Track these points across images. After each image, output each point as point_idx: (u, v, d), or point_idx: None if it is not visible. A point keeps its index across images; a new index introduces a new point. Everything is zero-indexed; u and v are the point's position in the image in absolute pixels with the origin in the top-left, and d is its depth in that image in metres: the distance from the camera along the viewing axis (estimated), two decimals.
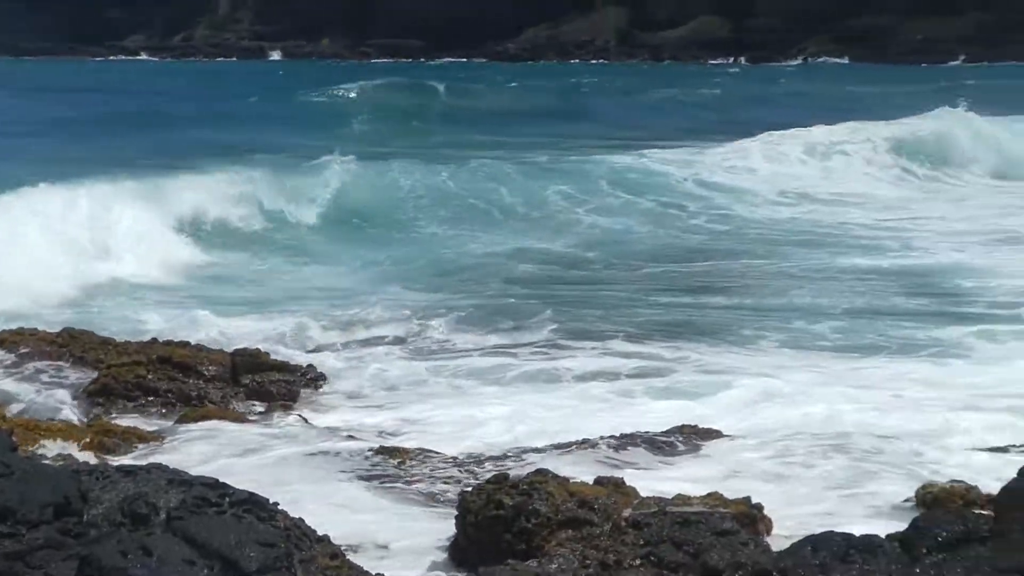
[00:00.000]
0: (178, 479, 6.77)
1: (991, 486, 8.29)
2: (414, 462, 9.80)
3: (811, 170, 34.12)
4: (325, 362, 13.97)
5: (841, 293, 18.42)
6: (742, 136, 38.17)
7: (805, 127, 38.73)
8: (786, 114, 47.49)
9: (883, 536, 7.14)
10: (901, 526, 7.29)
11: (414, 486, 9.24)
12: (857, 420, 11.42)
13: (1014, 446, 10.29)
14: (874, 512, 8.75)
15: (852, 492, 9.12)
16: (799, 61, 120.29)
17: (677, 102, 63.00)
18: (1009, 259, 21.27)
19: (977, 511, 7.64)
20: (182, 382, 12.42)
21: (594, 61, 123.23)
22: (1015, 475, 7.51)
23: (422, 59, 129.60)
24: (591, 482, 8.22)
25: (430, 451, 10.21)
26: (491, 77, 71.05)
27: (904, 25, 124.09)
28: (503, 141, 41.11)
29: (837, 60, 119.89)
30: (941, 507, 7.98)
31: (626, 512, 7.69)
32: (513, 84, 72.48)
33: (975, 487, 8.63)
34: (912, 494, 8.78)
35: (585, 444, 10.22)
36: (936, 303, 17.61)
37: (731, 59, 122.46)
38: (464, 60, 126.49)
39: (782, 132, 37.96)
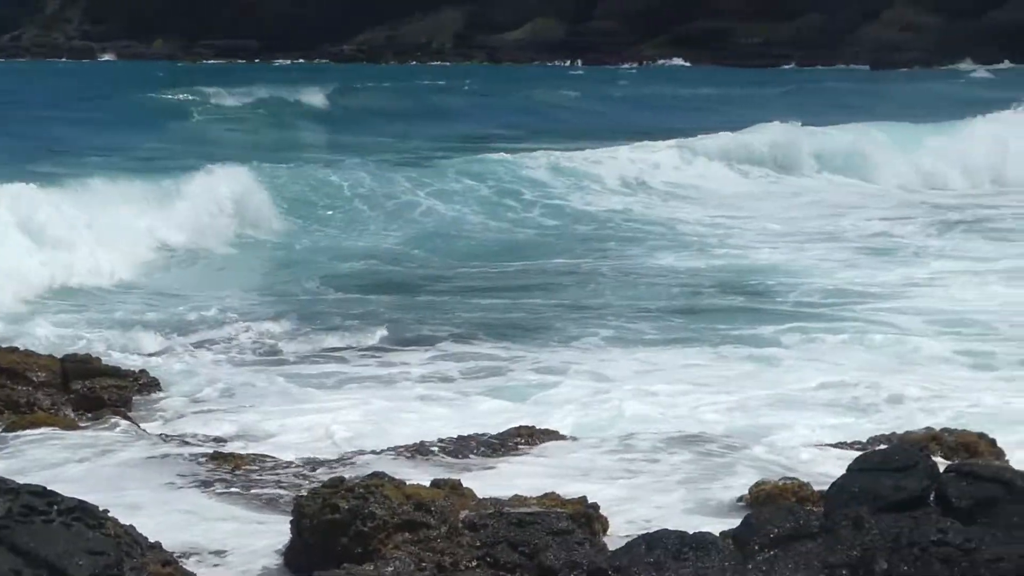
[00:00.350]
0: (4, 487, 6.61)
1: (822, 482, 8.42)
2: (250, 468, 9.69)
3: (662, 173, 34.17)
4: (158, 367, 13.78)
5: (663, 290, 18.77)
6: (613, 141, 38.38)
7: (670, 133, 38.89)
8: (655, 118, 47.81)
9: (716, 534, 7.23)
10: (735, 523, 7.39)
11: (250, 492, 9.13)
12: (688, 419, 11.63)
13: (844, 443, 10.49)
14: (708, 510, 8.83)
15: (687, 490, 9.20)
16: (636, 64, 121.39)
17: (537, 103, 63.16)
18: (824, 258, 21.89)
19: (809, 507, 7.75)
20: (10, 388, 12.13)
21: (434, 63, 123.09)
22: (844, 471, 7.68)
23: (257, 60, 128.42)
24: (428, 484, 8.20)
25: (266, 456, 10.11)
26: (335, 79, 70.13)
27: (740, 28, 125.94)
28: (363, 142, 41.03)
29: (676, 62, 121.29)
30: (773, 504, 8.08)
31: (463, 514, 7.67)
32: (360, 86, 71.63)
33: (807, 484, 8.76)
34: (746, 492, 8.88)
35: (422, 446, 10.21)
36: (751, 301, 17.99)
37: (568, 62, 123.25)
38: (302, 61, 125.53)
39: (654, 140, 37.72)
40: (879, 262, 21.48)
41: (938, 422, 11.06)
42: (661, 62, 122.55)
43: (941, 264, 21.16)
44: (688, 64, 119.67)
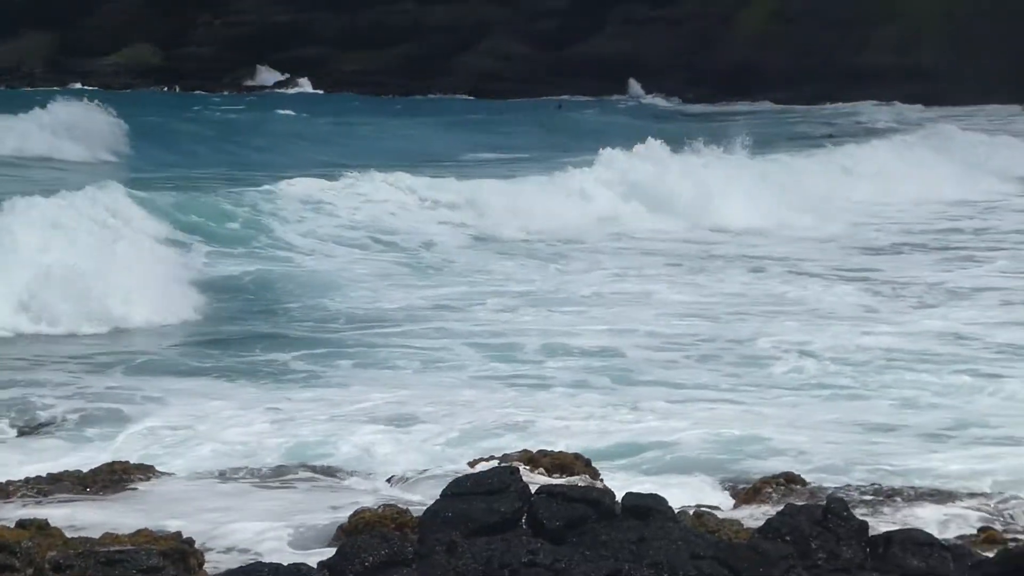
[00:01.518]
0: None
1: (419, 509, 8.48)
2: None
3: None
4: None
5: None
6: None
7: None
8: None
9: (313, 564, 7.18)
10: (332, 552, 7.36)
11: None
12: (288, 449, 11.58)
13: (427, 470, 10.54)
14: (308, 540, 8.77)
15: (286, 521, 9.12)
16: (235, 91, 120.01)
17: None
18: None
19: (407, 533, 7.79)
20: None
21: (28, 88, 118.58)
22: (438, 496, 7.76)
23: None
24: (13, 525, 7.87)
25: None
26: None
27: (340, 56, 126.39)
28: None
29: (279, 91, 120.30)
30: (371, 532, 8.08)
31: (50, 555, 7.39)
32: None
33: (407, 510, 8.80)
34: (346, 520, 8.86)
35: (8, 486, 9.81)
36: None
37: (165, 88, 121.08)
38: None
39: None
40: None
41: (534, 444, 11.29)
42: (266, 89, 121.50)
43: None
44: (290, 91, 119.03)
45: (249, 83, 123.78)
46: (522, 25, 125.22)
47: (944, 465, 11.37)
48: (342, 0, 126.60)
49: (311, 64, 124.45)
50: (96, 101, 46.74)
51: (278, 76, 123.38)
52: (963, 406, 13.68)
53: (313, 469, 10.53)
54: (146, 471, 10.36)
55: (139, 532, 8.07)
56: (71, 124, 44.11)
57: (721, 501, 9.97)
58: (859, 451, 11.88)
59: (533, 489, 7.78)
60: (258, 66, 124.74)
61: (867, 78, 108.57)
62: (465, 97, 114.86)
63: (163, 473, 10.46)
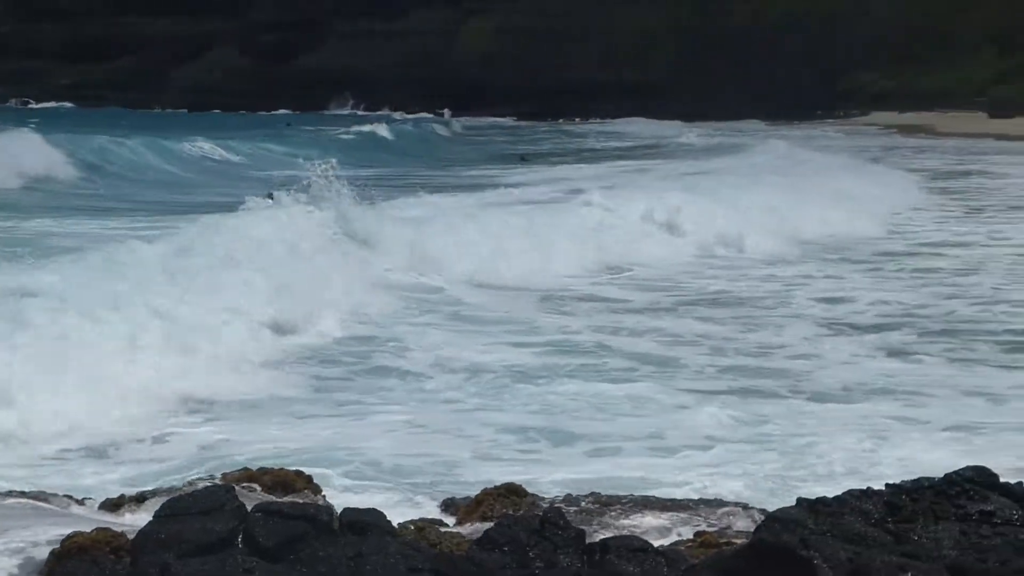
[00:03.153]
0: None
1: (134, 532, 8.26)
2: None
3: None
4: None
5: None
6: None
7: None
8: None
9: None
10: None
11: None
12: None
13: (160, 489, 10.32)
14: (21, 568, 8.46)
15: None
16: None
17: None
18: None
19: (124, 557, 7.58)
20: None
21: None
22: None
23: None
24: None
25: None
26: None
27: (56, 69, 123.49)
28: None
29: None
30: (82, 556, 7.85)
31: None
32: None
33: (122, 533, 8.56)
34: (59, 545, 8.58)
35: None
36: None
37: None
38: None
39: None
40: None
41: (255, 461, 11.17)
42: None
43: None
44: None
45: None
46: (244, 38, 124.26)
47: (664, 475, 11.69)
48: (65, 11, 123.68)
49: (26, 75, 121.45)
50: None
51: None
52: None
53: (23, 495, 10.18)
54: None
55: None
56: None
57: (442, 515, 9.99)
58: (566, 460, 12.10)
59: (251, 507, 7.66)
60: None
61: (593, 93, 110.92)
62: (184, 111, 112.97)
63: None
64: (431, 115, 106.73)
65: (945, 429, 13.49)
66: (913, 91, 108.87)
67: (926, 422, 13.83)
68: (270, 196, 26.05)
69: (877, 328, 19.35)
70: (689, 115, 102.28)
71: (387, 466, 12.05)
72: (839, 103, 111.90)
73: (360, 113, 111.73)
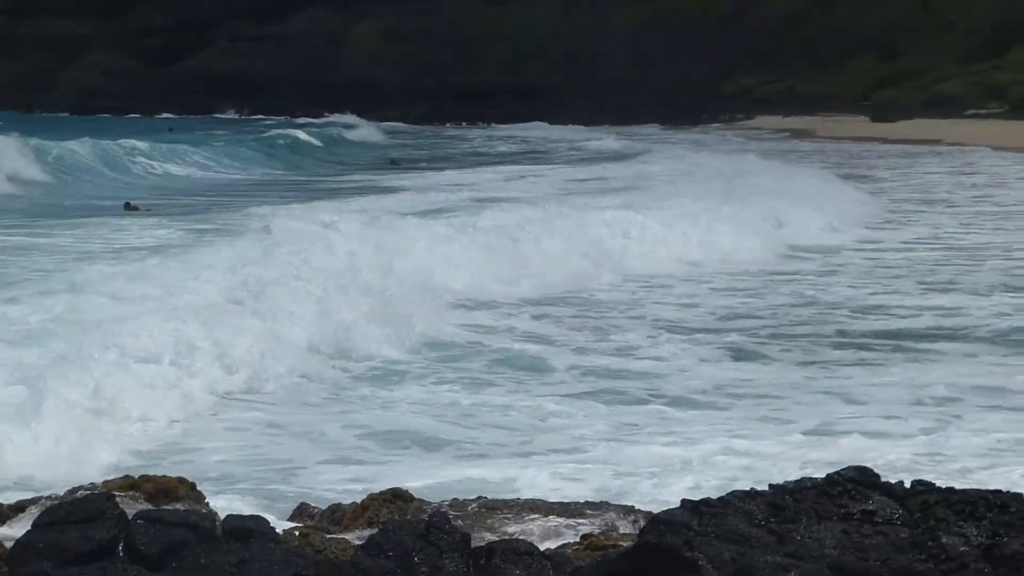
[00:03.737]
0: None
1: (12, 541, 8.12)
2: None
3: None
4: None
5: None
6: None
7: None
8: None
9: None
10: None
11: None
12: None
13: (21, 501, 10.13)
14: None
15: None
16: None
17: None
18: None
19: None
20: None
21: None
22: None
23: None
24: None
25: None
26: None
27: None
28: None
29: None
30: None
31: None
32: None
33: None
34: None
35: None
36: None
37: None
38: None
39: None
40: None
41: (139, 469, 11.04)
42: None
43: None
44: None
45: None
46: (128, 41, 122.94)
47: (547, 480, 11.77)
48: None
49: None
50: None
51: None
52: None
53: None
54: None
55: None
56: None
57: (327, 521, 9.94)
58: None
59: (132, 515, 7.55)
60: None
61: (479, 96, 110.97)
62: (66, 115, 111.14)
63: None
64: (318, 120, 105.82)
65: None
66: (796, 95, 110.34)
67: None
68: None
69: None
70: (588, 120, 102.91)
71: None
72: (724, 107, 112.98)
73: (243, 118, 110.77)
